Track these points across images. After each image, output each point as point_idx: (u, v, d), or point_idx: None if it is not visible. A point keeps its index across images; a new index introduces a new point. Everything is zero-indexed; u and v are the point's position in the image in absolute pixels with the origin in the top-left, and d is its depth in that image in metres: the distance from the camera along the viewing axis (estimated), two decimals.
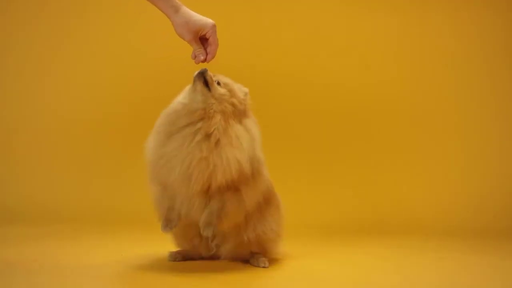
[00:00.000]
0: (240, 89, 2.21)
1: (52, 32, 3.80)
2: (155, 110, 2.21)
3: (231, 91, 2.15)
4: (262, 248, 2.25)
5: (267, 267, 2.20)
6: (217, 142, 2.05)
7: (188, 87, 2.18)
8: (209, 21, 2.09)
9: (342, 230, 3.26)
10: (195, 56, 2.12)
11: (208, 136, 2.05)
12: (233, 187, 2.08)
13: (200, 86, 2.11)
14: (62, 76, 3.80)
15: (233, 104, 2.12)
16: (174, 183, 2.07)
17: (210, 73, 2.14)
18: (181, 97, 2.17)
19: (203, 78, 2.12)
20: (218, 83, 2.15)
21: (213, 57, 2.13)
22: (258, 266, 2.20)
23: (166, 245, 2.37)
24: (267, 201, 2.24)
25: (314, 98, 3.70)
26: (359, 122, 3.70)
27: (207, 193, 2.08)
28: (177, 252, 2.31)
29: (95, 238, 2.92)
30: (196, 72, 2.14)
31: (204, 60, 2.13)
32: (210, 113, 2.08)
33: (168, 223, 2.12)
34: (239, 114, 2.14)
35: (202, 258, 2.30)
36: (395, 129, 3.68)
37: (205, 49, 2.12)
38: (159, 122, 2.15)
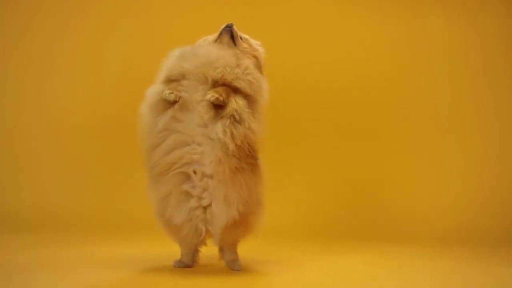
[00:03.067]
0: (257, 44, 2.43)
1: (52, 36, 3.84)
2: None
3: (251, 46, 2.38)
4: (247, 222, 2.24)
5: (240, 270, 2.25)
6: (246, 68, 2.25)
7: (210, 38, 2.37)
8: None
9: (334, 235, 3.28)
10: None
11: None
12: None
13: (227, 39, 2.32)
14: (62, 81, 3.83)
15: (255, 57, 2.35)
16: (193, 69, 2.20)
17: (235, 28, 2.34)
18: None
19: (230, 32, 2.31)
20: (240, 38, 2.36)
21: None
22: (234, 269, 2.26)
23: (166, 249, 2.39)
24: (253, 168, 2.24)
25: (312, 98, 3.74)
26: (355, 126, 3.73)
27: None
28: (180, 261, 2.32)
29: (96, 243, 2.94)
30: (224, 26, 2.34)
31: None
32: None
33: (171, 91, 2.19)
34: (259, 67, 2.35)
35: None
36: (391, 132, 3.71)
37: None
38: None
